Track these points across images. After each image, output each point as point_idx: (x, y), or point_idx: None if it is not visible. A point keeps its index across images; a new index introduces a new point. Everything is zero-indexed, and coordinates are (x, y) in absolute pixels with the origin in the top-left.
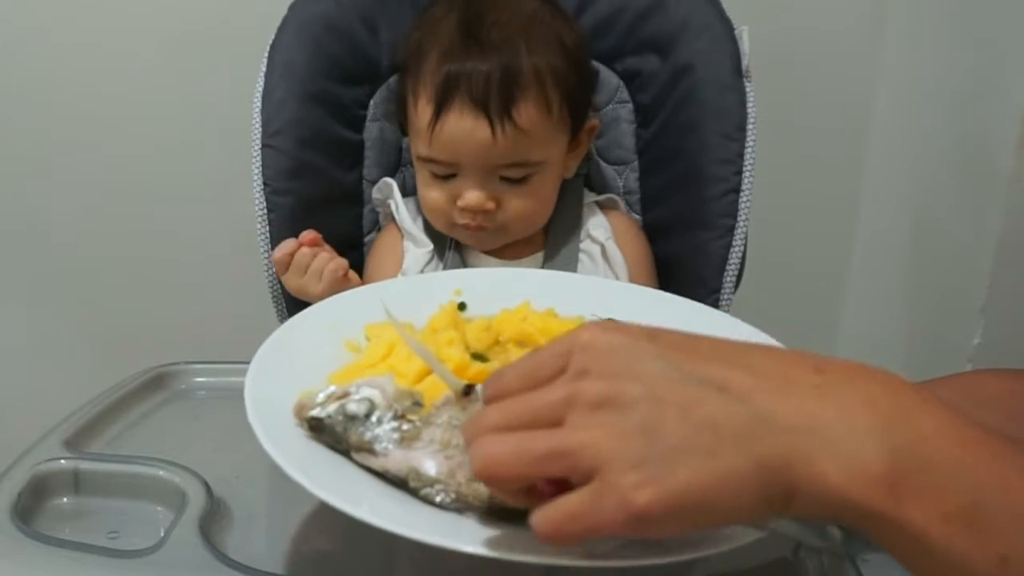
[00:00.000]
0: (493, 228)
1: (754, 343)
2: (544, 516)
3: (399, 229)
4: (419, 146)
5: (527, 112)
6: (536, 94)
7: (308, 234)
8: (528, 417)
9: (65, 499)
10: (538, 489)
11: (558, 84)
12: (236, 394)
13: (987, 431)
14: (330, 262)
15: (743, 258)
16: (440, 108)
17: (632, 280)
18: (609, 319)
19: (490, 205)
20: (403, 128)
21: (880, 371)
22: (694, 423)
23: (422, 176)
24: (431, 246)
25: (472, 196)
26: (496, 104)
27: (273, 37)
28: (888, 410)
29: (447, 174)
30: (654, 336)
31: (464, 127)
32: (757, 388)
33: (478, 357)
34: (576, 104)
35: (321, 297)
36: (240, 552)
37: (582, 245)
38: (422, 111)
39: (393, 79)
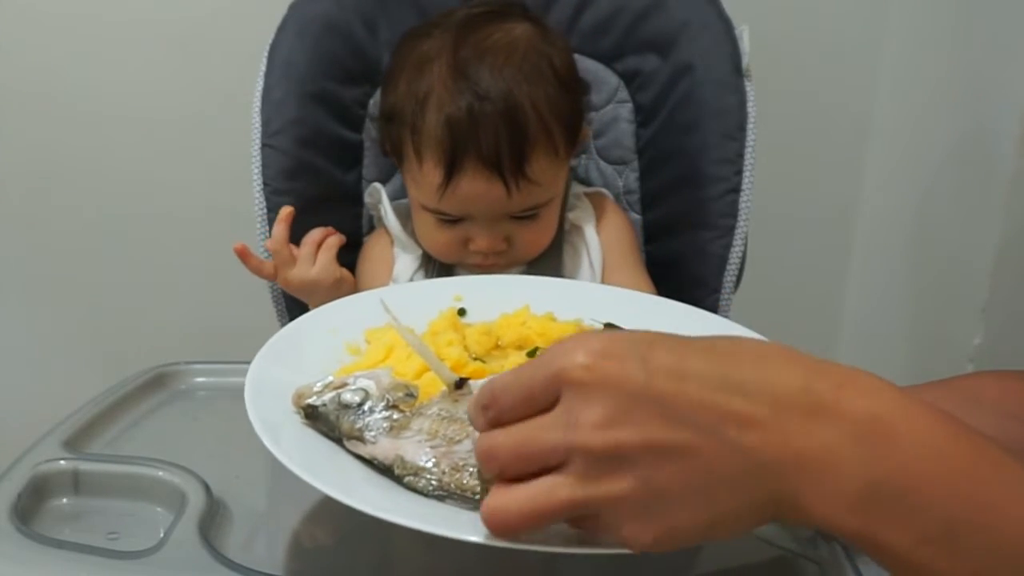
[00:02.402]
0: (505, 263)
1: (745, 347)
2: None
3: (388, 234)
4: (424, 199)
5: (539, 165)
6: (544, 143)
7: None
8: (532, 454)
9: (65, 500)
10: None
11: (559, 120)
12: (236, 394)
13: (972, 436)
14: (323, 240)
15: (743, 258)
16: (451, 173)
17: (606, 262)
18: (607, 325)
19: (502, 246)
20: (385, 153)
21: (869, 381)
22: (690, 471)
23: (427, 220)
24: (420, 251)
25: (484, 242)
26: (509, 164)
27: (273, 37)
28: (871, 435)
29: (454, 220)
30: (645, 360)
31: (477, 188)
32: (748, 424)
33: (477, 361)
34: (574, 131)
35: (315, 283)
36: (240, 553)
37: (566, 236)
38: (429, 172)
39: None
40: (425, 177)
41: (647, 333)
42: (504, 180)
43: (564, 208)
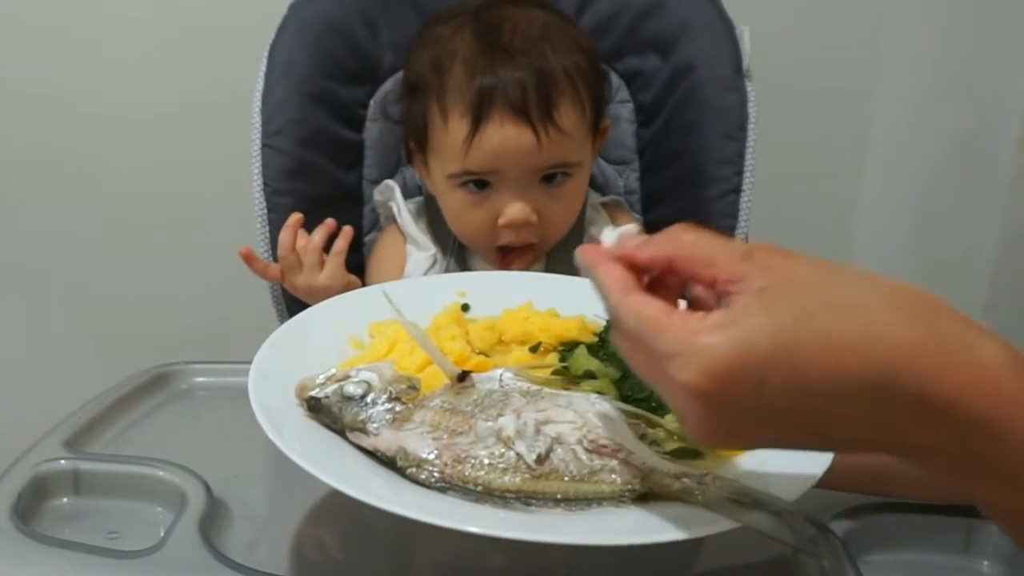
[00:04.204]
0: (534, 253)
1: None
2: None
3: (401, 231)
4: (450, 164)
5: (567, 114)
6: (571, 95)
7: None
8: None
9: (65, 499)
10: None
11: (586, 83)
12: (236, 394)
13: None
14: (327, 243)
15: None
16: (479, 120)
17: None
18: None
19: (533, 218)
20: (410, 155)
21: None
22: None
23: (455, 199)
24: (433, 249)
25: (515, 210)
26: (537, 109)
27: (273, 37)
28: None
29: (481, 183)
30: (759, 385)
31: (507, 136)
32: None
33: (481, 355)
34: (599, 103)
35: (325, 289)
36: (240, 552)
37: None
38: (455, 127)
39: (390, 81)
40: (451, 135)
41: (768, 342)
42: (533, 126)
43: (584, 219)
